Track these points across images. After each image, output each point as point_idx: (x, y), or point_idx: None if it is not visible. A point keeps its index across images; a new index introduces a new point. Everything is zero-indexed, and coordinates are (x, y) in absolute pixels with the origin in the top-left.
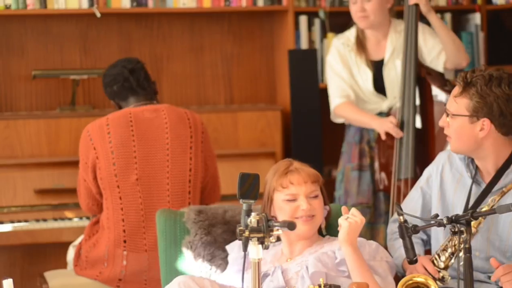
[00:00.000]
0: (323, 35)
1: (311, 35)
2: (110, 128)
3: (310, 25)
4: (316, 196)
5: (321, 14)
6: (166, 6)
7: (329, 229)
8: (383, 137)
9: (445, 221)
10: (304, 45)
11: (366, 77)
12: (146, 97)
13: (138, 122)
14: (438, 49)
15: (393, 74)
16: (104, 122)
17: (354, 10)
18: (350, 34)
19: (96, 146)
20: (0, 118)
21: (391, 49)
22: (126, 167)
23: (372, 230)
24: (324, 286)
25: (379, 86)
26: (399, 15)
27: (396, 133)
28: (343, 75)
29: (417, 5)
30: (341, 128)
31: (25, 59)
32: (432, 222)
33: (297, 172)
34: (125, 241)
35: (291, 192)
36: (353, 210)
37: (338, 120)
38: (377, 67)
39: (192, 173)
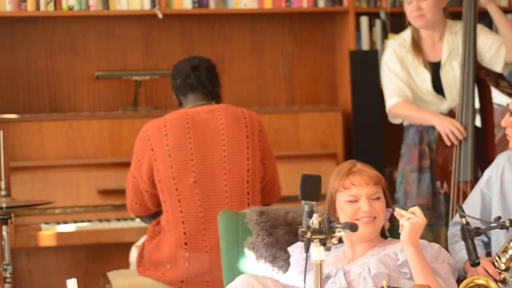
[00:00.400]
0: (384, 36)
1: (372, 36)
2: (167, 129)
3: (371, 26)
4: (378, 198)
5: (382, 15)
6: (228, 6)
7: (392, 231)
8: (444, 136)
9: (507, 224)
10: (365, 46)
11: (424, 78)
12: (204, 97)
13: (195, 124)
14: (497, 44)
15: (451, 76)
16: (162, 123)
17: (410, 10)
18: (406, 35)
19: (154, 147)
20: (64, 118)
21: (447, 50)
22: (184, 170)
23: (433, 232)
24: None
25: (437, 88)
26: (453, 16)
27: (459, 134)
28: (401, 75)
29: (475, 1)
30: (402, 128)
31: (88, 60)
32: (495, 224)
33: (359, 173)
34: (186, 243)
35: (353, 193)
36: (416, 209)
37: (395, 120)
38: (434, 69)
39: (250, 173)
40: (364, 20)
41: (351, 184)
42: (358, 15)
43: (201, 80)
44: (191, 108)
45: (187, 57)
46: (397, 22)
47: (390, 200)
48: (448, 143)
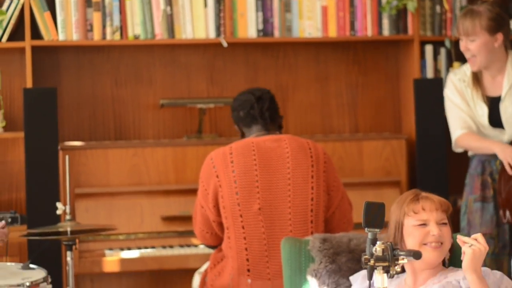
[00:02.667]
0: (449, 64)
1: (437, 64)
2: (233, 157)
3: (435, 54)
4: (445, 224)
5: (447, 43)
6: (292, 35)
7: (453, 260)
8: (506, 165)
9: None
10: (429, 74)
11: (482, 112)
12: (268, 127)
13: (260, 151)
14: None
15: (511, 110)
16: (228, 150)
17: (461, 49)
18: (467, 68)
19: (219, 174)
20: (129, 146)
21: (508, 86)
22: (249, 196)
23: (496, 261)
24: None
25: (496, 121)
26: None
27: None
28: (462, 107)
29: None
30: (467, 157)
31: (153, 88)
32: None
33: (429, 198)
34: (248, 270)
35: (422, 217)
36: (478, 236)
37: (458, 150)
38: (494, 103)
39: (314, 202)
40: (428, 49)
41: (421, 208)
42: (422, 43)
43: (262, 110)
44: (256, 137)
45: (246, 89)
46: None
47: (452, 229)
48: (510, 172)
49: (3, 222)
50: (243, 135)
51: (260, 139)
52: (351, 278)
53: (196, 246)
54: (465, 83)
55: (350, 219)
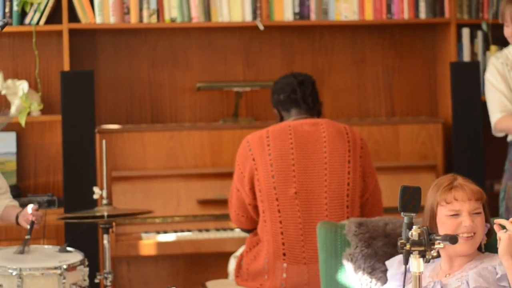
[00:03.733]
0: (486, 47)
1: (474, 47)
2: (270, 140)
3: (472, 37)
4: (478, 213)
5: (484, 26)
6: (328, 18)
7: (490, 246)
8: None
9: None
10: (466, 57)
11: None
12: (307, 112)
13: (297, 135)
14: None
15: None
16: (264, 134)
17: (507, 34)
18: (509, 52)
19: (256, 157)
20: (165, 129)
21: None
22: (285, 180)
23: None
24: None
25: None
26: None
27: None
28: (503, 90)
29: None
30: (505, 142)
31: (189, 71)
32: None
33: (461, 188)
34: (284, 254)
35: (455, 208)
36: None
37: (498, 134)
38: None
39: (350, 187)
40: (465, 32)
41: (453, 198)
42: (459, 26)
43: (305, 95)
44: (294, 121)
45: (288, 72)
46: (499, 34)
47: (489, 215)
48: None
49: (36, 205)
50: (281, 119)
51: (297, 122)
52: (387, 262)
53: (232, 230)
54: (508, 66)
55: (381, 207)
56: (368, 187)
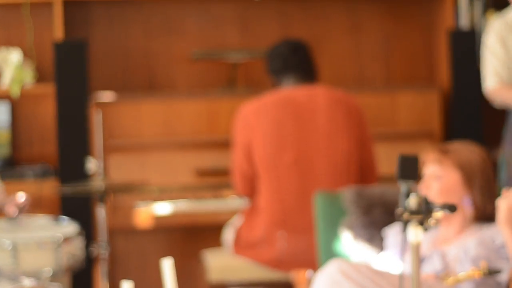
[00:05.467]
0: (484, 14)
1: (472, 14)
2: (265, 109)
3: (470, 2)
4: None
5: None
6: None
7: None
8: None
9: None
10: (464, 23)
11: None
12: (303, 78)
13: (293, 104)
14: None
15: None
16: (260, 103)
17: None
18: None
19: (252, 127)
20: (162, 98)
21: None
22: (282, 149)
23: None
24: (485, 269)
25: None
26: None
27: None
28: (501, 56)
29: None
30: (503, 109)
31: (185, 40)
32: None
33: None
34: (282, 223)
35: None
36: None
37: (496, 103)
38: None
39: (347, 154)
40: None
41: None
42: None
43: (300, 61)
44: (290, 89)
45: (281, 39)
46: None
47: (484, 187)
48: None
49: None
50: (277, 86)
51: (293, 90)
52: (385, 231)
53: (229, 199)
54: (508, 29)
55: (376, 173)
56: (365, 154)
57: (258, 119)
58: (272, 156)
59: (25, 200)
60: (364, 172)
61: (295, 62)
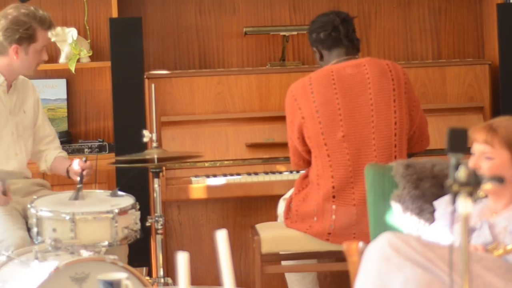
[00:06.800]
0: None
1: None
2: (313, 87)
3: None
4: (489, 158)
5: None
6: None
7: None
8: None
9: None
10: None
11: None
12: (348, 51)
13: (341, 79)
14: None
15: None
16: (307, 81)
17: None
18: None
19: (301, 106)
20: (213, 74)
21: None
22: (332, 125)
23: None
24: None
25: None
26: None
27: None
28: None
29: None
30: None
31: (236, 16)
32: None
33: (483, 130)
34: (334, 196)
35: (473, 149)
36: None
37: None
38: None
39: (397, 126)
40: None
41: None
42: None
43: (349, 33)
44: (336, 64)
45: (326, 11)
46: None
47: None
48: None
49: (83, 159)
50: (321, 58)
51: (339, 65)
52: (434, 203)
53: (280, 173)
54: None
55: (428, 136)
56: (415, 121)
57: (307, 98)
58: (323, 133)
59: (87, 162)
60: (417, 137)
61: (344, 33)
